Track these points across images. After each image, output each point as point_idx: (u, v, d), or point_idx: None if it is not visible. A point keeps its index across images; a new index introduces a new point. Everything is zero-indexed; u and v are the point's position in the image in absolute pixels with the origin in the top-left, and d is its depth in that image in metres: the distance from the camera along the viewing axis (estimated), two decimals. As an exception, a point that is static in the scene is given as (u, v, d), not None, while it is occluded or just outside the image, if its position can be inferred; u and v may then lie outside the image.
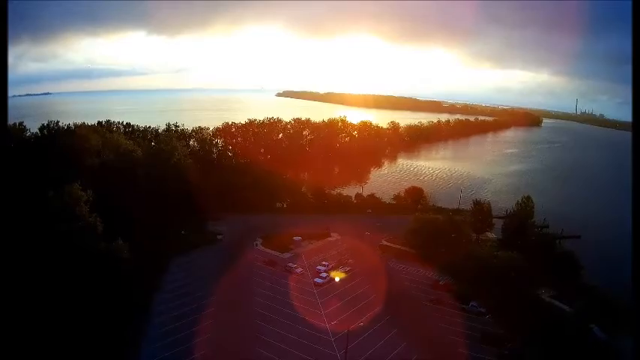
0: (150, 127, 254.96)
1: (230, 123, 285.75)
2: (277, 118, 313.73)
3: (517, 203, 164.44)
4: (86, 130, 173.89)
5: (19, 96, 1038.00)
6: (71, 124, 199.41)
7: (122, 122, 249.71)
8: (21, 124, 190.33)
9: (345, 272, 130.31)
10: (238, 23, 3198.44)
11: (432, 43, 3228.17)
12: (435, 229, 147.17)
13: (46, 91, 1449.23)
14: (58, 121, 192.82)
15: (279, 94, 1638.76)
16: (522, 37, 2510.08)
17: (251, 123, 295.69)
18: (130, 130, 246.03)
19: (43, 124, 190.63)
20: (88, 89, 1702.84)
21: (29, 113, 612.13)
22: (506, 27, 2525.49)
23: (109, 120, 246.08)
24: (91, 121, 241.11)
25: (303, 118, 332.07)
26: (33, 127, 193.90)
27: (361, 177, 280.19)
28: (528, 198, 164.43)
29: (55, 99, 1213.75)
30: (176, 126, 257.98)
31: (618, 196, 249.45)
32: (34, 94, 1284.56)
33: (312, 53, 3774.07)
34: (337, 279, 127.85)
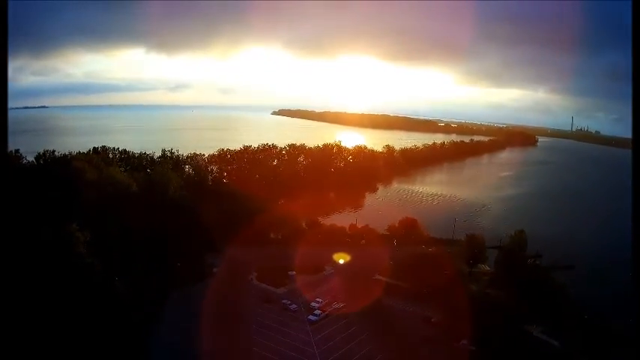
0: (145, 153, 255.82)
1: (225, 149, 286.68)
2: (272, 144, 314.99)
3: (510, 237, 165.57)
4: (81, 163, 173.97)
5: (17, 108, 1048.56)
6: (67, 152, 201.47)
7: (117, 148, 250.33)
8: (17, 151, 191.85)
9: (339, 309, 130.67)
10: (238, 44, 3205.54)
11: (428, 62, 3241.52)
12: (427, 264, 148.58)
13: (42, 105, 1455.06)
14: (54, 150, 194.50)
15: (275, 113, 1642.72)
16: (519, 55, 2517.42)
17: (246, 149, 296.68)
18: (125, 157, 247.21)
19: (39, 153, 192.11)
20: (85, 103, 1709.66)
21: (28, 128, 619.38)
22: (503, 46, 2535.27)
23: (104, 146, 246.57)
24: (89, 139, 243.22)
25: (297, 144, 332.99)
26: (31, 144, 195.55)
27: (356, 203, 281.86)
28: (521, 231, 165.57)
29: (53, 113, 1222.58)
30: (171, 152, 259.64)
31: (611, 219, 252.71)
32: (31, 107, 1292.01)
33: (309, 72, 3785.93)
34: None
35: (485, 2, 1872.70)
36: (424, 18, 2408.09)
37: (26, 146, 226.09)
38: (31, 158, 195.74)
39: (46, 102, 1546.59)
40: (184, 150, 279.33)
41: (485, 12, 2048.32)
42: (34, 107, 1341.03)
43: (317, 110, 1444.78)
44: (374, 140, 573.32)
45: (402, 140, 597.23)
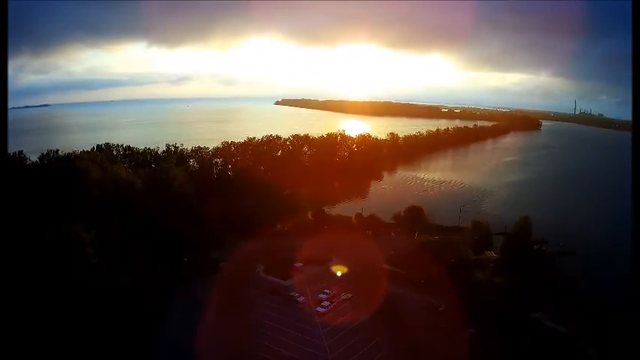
0: (149, 148, 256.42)
1: (229, 142, 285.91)
2: (276, 135, 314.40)
3: (515, 223, 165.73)
4: (85, 162, 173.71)
5: (18, 108, 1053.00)
6: (71, 150, 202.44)
7: (121, 145, 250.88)
8: (20, 152, 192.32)
9: (347, 300, 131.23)
10: (238, 35, 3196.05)
11: (431, 48, 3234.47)
12: (434, 253, 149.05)
13: (44, 103, 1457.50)
14: (57, 150, 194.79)
15: (277, 103, 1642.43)
16: (521, 41, 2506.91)
17: (250, 141, 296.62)
18: (129, 153, 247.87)
19: (42, 153, 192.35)
20: (88, 100, 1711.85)
21: (30, 128, 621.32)
22: (505, 31, 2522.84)
23: (108, 143, 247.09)
24: (93, 136, 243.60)
25: (301, 134, 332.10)
26: (34, 143, 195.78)
27: (361, 191, 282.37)
28: (526, 218, 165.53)
29: (55, 111, 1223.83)
30: (175, 147, 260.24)
31: (613, 204, 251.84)
32: (33, 106, 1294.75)
33: (312, 61, 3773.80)
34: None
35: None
36: (426, 5, 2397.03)
37: (29, 146, 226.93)
38: (34, 158, 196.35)
39: (47, 100, 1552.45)
40: (189, 143, 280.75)
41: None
42: (36, 106, 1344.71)
43: (320, 99, 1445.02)
44: (378, 128, 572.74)
45: (405, 127, 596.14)
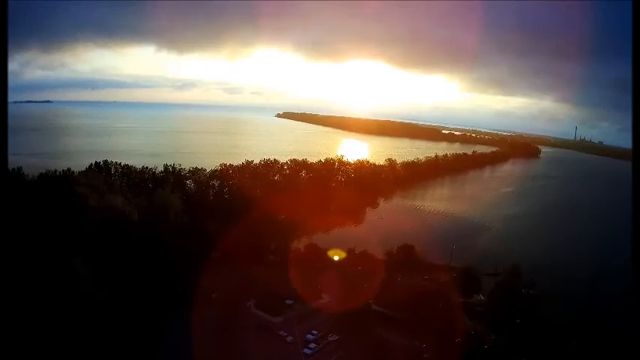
0: (147, 167, 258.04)
1: (227, 164, 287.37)
2: (274, 159, 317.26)
3: (506, 271, 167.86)
4: (82, 190, 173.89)
5: (21, 102, 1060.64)
6: (69, 168, 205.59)
7: (119, 163, 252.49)
8: (20, 169, 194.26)
9: (333, 342, 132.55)
10: (248, 45, 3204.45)
11: (436, 68, 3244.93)
12: (423, 295, 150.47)
13: (46, 99, 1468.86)
14: (55, 170, 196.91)
15: (279, 115, 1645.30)
16: (527, 64, 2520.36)
17: (248, 165, 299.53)
18: (127, 172, 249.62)
19: (41, 173, 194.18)
20: (90, 99, 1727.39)
21: (33, 126, 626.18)
22: (512, 55, 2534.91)
23: (106, 161, 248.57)
24: (96, 142, 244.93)
25: (299, 159, 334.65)
26: (36, 144, 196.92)
27: (356, 220, 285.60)
28: (516, 266, 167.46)
29: (57, 108, 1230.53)
30: (173, 167, 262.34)
31: (608, 242, 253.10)
32: (35, 102, 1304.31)
33: (317, 74, 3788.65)
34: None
35: (495, 12, 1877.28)
36: (434, 25, 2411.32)
37: (31, 147, 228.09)
38: (33, 160, 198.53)
39: (50, 96, 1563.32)
40: (187, 157, 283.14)
41: (495, 21, 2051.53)
42: (38, 101, 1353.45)
43: (321, 114, 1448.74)
44: (378, 149, 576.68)
45: (405, 149, 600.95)
